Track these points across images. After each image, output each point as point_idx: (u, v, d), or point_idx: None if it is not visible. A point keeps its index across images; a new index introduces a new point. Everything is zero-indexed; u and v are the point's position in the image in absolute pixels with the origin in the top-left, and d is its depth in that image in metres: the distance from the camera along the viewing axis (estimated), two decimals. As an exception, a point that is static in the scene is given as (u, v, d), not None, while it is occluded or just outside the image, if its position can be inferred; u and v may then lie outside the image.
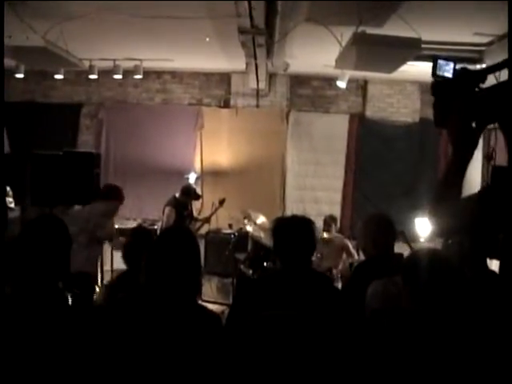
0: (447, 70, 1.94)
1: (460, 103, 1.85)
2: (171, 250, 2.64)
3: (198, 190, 8.86)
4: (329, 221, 8.21)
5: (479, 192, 1.86)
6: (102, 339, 2.44)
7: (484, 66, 6.87)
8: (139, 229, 4.54)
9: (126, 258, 4.07)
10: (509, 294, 1.76)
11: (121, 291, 3.51)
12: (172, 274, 2.59)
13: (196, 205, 9.25)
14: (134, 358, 2.44)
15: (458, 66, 1.94)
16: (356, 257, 7.83)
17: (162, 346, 2.45)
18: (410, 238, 6.80)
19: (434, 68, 1.94)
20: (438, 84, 1.94)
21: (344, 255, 8.00)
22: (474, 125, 1.88)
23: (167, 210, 7.93)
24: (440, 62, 1.94)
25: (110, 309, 2.71)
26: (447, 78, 1.93)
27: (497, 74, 1.86)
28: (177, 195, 8.10)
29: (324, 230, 8.06)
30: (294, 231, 3.39)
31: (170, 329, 2.50)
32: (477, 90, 1.86)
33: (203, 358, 2.50)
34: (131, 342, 2.46)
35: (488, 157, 1.93)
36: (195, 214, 8.96)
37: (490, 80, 1.88)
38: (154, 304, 2.56)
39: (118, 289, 3.71)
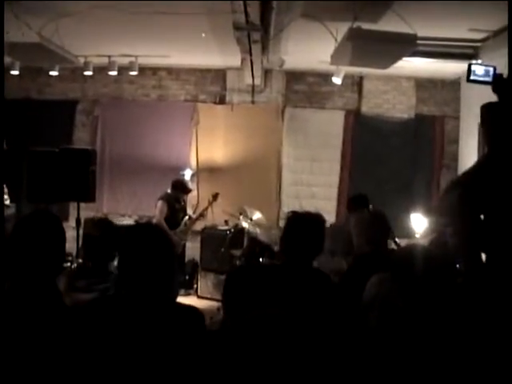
0: (484, 75, 1.95)
1: (499, 105, 1.87)
2: (141, 247, 2.61)
3: (190, 185, 8.85)
4: None
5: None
6: (90, 338, 2.43)
7: (480, 61, 6.89)
8: (103, 221, 4.38)
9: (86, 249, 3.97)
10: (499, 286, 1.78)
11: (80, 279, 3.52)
12: (144, 271, 2.56)
13: (191, 202, 9.26)
14: (121, 356, 2.43)
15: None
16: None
17: (144, 346, 2.44)
18: (396, 235, 6.80)
19: (469, 73, 1.96)
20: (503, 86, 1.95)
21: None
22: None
23: (159, 203, 7.93)
24: (473, 67, 1.95)
25: (90, 308, 2.69)
26: (485, 82, 1.95)
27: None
28: (169, 190, 8.11)
29: None
30: (302, 227, 3.40)
31: (150, 329, 2.47)
32: None
33: (187, 356, 2.48)
34: (115, 342, 2.44)
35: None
36: (191, 211, 8.96)
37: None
38: (130, 303, 2.54)
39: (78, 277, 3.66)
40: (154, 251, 2.59)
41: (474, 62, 1.88)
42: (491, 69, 1.93)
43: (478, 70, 1.93)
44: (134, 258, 2.58)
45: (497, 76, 1.96)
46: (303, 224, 3.45)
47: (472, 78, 1.95)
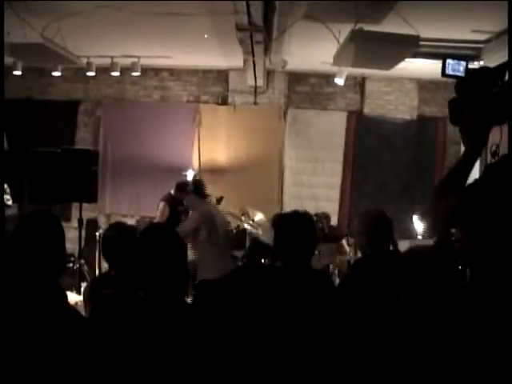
0: (458, 69, 1.94)
1: (475, 101, 1.86)
2: (154, 248, 2.63)
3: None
4: (321, 219, 8.21)
5: (466, 187, 1.88)
6: (96, 337, 2.44)
7: (482, 63, 6.88)
8: (120, 224, 4.40)
9: (105, 254, 3.98)
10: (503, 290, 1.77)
11: (105, 287, 3.51)
12: (156, 272, 2.57)
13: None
14: (127, 356, 2.43)
15: (479, 65, 1.95)
16: (351, 254, 7.83)
17: (154, 345, 2.45)
18: (398, 237, 6.77)
19: (444, 67, 1.94)
20: (463, 82, 1.94)
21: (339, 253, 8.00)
22: (485, 121, 1.89)
23: (161, 205, 7.91)
24: (449, 61, 1.94)
25: (100, 308, 2.70)
26: (459, 77, 1.94)
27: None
28: (172, 192, 8.09)
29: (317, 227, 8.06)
30: (295, 228, 3.39)
31: (161, 328, 2.49)
32: (493, 87, 1.87)
33: (197, 355, 2.49)
34: (124, 342, 2.45)
35: (492, 153, 1.95)
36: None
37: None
38: (142, 304, 2.55)
39: (102, 285, 3.67)
40: (169, 253, 2.61)
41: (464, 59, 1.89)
42: (464, 63, 1.92)
43: (452, 64, 1.91)
44: (151, 260, 2.60)
45: (469, 71, 1.95)
46: (294, 224, 3.44)
47: (447, 72, 1.94)
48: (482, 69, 1.94)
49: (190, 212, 6.79)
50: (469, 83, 1.92)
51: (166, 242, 2.67)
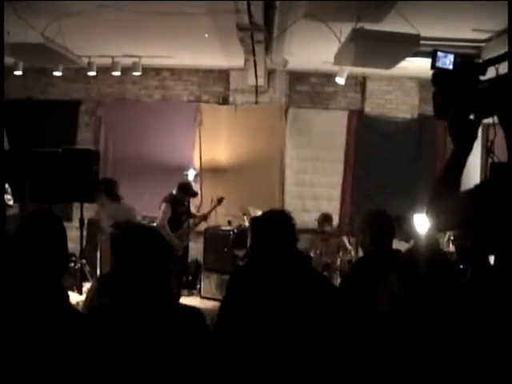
0: (447, 62, 1.95)
1: (460, 95, 1.86)
2: (135, 249, 2.62)
3: (196, 187, 8.85)
4: (322, 220, 8.24)
5: (475, 187, 1.87)
6: (94, 338, 2.44)
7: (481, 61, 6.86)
8: (129, 223, 4.41)
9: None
10: (504, 289, 1.77)
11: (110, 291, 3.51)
12: (139, 273, 2.57)
13: (195, 201, 9.26)
14: (126, 358, 2.43)
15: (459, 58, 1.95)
16: (353, 253, 7.85)
17: (148, 349, 2.45)
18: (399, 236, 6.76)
19: (434, 60, 1.95)
20: (440, 75, 1.95)
21: (341, 252, 8.03)
22: (472, 117, 1.89)
23: (163, 206, 7.93)
24: (439, 54, 1.94)
25: (95, 313, 2.70)
26: (447, 70, 1.94)
27: (496, 66, 1.87)
28: (174, 192, 8.10)
29: (319, 228, 8.11)
30: (271, 227, 3.35)
31: (152, 330, 2.49)
32: (477, 82, 1.87)
33: (191, 356, 2.49)
34: (116, 343, 2.45)
35: (487, 151, 1.94)
36: (194, 210, 8.96)
37: (490, 73, 1.89)
38: (127, 305, 2.55)
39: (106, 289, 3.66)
40: (146, 252, 2.60)
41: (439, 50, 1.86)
42: (452, 56, 1.92)
43: (442, 57, 1.91)
44: (128, 261, 2.59)
45: (459, 63, 1.95)
46: (269, 224, 3.41)
47: (436, 65, 1.94)
48: (463, 62, 1.94)
49: (99, 211, 6.91)
50: (448, 77, 1.93)
51: (148, 242, 2.65)
